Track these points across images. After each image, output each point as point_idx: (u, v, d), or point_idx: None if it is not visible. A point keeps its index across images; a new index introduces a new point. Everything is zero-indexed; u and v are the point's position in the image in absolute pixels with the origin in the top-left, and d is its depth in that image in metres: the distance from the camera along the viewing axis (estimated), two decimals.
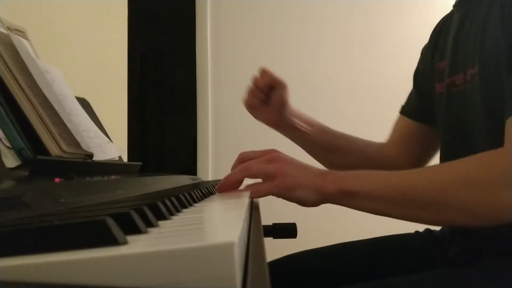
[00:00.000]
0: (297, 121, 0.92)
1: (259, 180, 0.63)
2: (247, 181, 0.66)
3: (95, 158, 0.72)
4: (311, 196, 0.60)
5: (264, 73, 0.88)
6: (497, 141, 0.54)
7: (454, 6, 0.76)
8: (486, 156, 0.53)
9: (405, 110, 0.92)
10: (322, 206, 0.64)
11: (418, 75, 0.88)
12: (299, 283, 0.80)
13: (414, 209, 0.56)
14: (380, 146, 0.95)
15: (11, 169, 0.56)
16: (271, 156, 0.64)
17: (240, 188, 0.67)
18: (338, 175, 0.61)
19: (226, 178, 0.64)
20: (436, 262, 0.71)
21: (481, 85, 0.63)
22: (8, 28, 0.71)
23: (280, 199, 0.62)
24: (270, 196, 0.62)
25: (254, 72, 0.91)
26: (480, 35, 0.64)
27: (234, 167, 0.66)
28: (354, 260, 0.81)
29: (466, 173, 0.53)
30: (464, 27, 0.70)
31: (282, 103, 0.89)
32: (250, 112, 0.93)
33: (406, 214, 0.58)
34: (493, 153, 0.53)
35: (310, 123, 0.94)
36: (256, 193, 0.61)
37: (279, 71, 0.91)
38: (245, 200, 0.51)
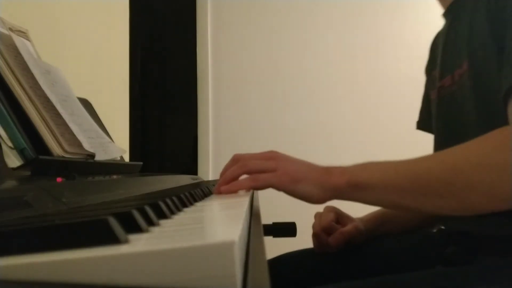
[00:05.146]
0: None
1: None
2: None
3: (96, 158, 0.72)
4: (316, 191, 0.56)
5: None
6: None
7: (443, 15, 0.76)
8: (502, 135, 0.50)
9: (421, 125, 0.88)
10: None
11: (426, 93, 0.87)
12: (296, 281, 0.80)
13: (430, 196, 0.52)
14: None
15: (13, 169, 0.56)
16: (271, 154, 0.60)
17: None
18: (345, 168, 0.57)
19: (223, 177, 0.61)
20: (432, 261, 0.71)
21: (471, 82, 0.62)
22: (10, 29, 0.71)
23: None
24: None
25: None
26: (466, 35, 0.63)
27: (227, 167, 0.62)
28: (352, 258, 0.81)
29: (482, 152, 0.49)
30: (451, 32, 0.70)
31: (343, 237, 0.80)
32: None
33: (422, 203, 0.53)
34: (510, 131, 0.49)
35: (366, 222, 0.85)
36: (254, 182, 0.57)
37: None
38: (245, 199, 0.51)
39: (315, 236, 0.81)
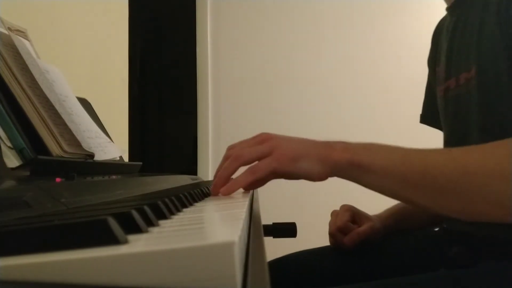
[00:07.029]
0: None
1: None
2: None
3: (96, 158, 0.72)
4: (317, 167, 0.53)
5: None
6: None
7: (447, 9, 0.74)
8: None
9: (425, 119, 0.86)
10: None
11: (429, 85, 0.86)
12: (299, 282, 0.80)
13: (433, 192, 0.50)
14: None
15: (12, 169, 0.56)
16: (263, 136, 0.56)
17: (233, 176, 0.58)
18: (348, 145, 0.54)
19: (218, 176, 0.57)
20: (437, 262, 0.71)
21: (479, 88, 0.61)
22: (9, 29, 0.71)
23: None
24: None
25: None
26: (475, 39, 0.62)
27: (223, 161, 0.58)
28: (353, 260, 0.81)
29: (497, 160, 0.46)
30: (457, 32, 0.69)
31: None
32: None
33: (423, 198, 0.51)
34: None
35: (382, 220, 0.84)
36: (254, 174, 0.53)
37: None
38: (245, 199, 0.51)
39: (331, 235, 0.81)
